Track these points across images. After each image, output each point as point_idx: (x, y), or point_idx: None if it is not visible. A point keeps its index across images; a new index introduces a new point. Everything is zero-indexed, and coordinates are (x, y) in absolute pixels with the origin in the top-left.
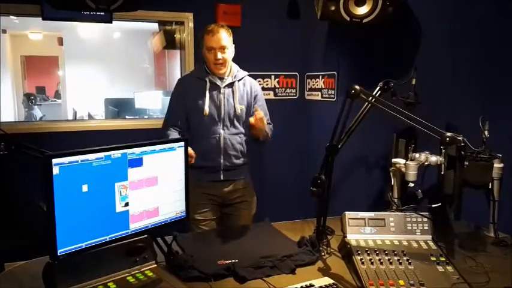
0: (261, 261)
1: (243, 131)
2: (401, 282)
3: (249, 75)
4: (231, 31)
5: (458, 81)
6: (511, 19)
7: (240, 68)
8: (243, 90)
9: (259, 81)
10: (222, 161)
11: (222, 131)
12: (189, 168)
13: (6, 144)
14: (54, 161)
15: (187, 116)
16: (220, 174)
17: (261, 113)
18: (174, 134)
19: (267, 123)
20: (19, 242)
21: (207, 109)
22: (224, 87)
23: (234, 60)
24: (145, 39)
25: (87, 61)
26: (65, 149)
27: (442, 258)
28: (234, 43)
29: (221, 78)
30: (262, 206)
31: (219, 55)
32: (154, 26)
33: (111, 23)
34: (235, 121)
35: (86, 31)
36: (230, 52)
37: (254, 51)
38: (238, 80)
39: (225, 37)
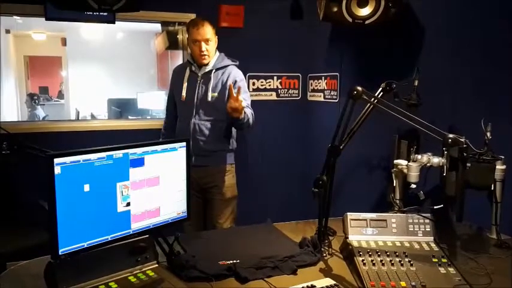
0: (262, 262)
1: (217, 117)
2: (402, 283)
3: (248, 73)
4: (213, 25)
5: (460, 82)
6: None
7: (242, 68)
8: (219, 79)
9: (262, 81)
10: (191, 144)
11: (193, 117)
12: None
13: (9, 144)
14: (56, 160)
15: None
16: (193, 158)
17: (235, 90)
18: (167, 123)
19: (245, 106)
20: (21, 241)
21: (184, 94)
22: (201, 75)
23: (238, 60)
24: (148, 40)
25: (90, 61)
26: (67, 149)
27: (444, 260)
28: (236, 44)
29: (200, 67)
30: (264, 206)
31: (203, 47)
32: (157, 26)
33: (114, 23)
34: (208, 108)
35: (89, 32)
36: (213, 44)
37: (256, 52)
38: (217, 69)
39: (209, 30)
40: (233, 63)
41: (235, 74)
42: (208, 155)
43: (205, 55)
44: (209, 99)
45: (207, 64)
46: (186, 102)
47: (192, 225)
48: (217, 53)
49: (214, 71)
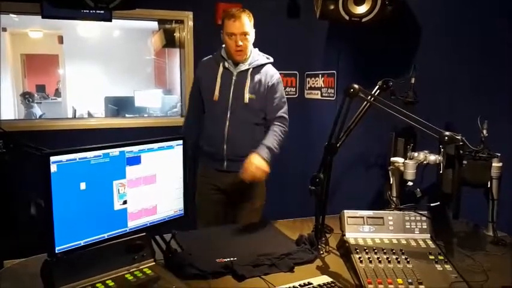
0: (259, 259)
1: (253, 121)
2: (399, 280)
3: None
4: (252, 16)
5: (457, 80)
6: (509, 18)
7: None
8: (256, 79)
9: None
10: (225, 149)
11: (228, 119)
12: (199, 151)
13: (5, 142)
14: (52, 158)
15: (202, 100)
16: (224, 163)
17: (252, 166)
18: (189, 118)
19: (279, 124)
20: (18, 240)
21: (217, 94)
22: (237, 74)
23: None
24: (145, 38)
25: (87, 59)
26: (64, 147)
27: (441, 257)
28: None
29: (236, 64)
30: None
31: (240, 42)
32: (154, 24)
33: (111, 21)
34: (244, 110)
35: (86, 29)
36: (251, 38)
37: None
38: (254, 68)
39: (246, 23)
40: (268, 60)
41: (273, 74)
42: (242, 161)
43: (241, 51)
44: (246, 100)
45: (243, 61)
46: (218, 102)
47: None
48: (252, 48)
49: (251, 70)
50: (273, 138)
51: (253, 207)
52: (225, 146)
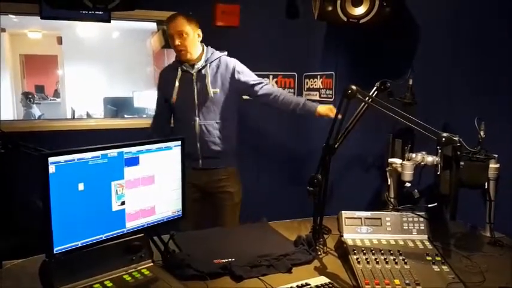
0: (257, 260)
1: (222, 115)
2: (396, 281)
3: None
4: (193, 18)
5: (454, 81)
6: (507, 19)
7: None
8: (216, 72)
9: None
10: (198, 148)
11: (197, 118)
12: None
13: (3, 143)
14: (51, 159)
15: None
16: (199, 162)
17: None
18: (155, 125)
19: (259, 82)
20: (17, 240)
21: (174, 97)
22: (196, 73)
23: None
24: (144, 39)
25: (86, 60)
26: (63, 147)
27: (438, 258)
28: (232, 43)
29: (192, 65)
30: (259, 205)
31: (177, 41)
32: (153, 25)
33: (110, 22)
34: (211, 106)
35: (85, 30)
36: (191, 39)
37: (252, 51)
38: (211, 62)
39: (182, 22)
40: (222, 53)
41: (230, 62)
42: (217, 157)
43: (181, 50)
44: (211, 94)
45: (198, 60)
46: (184, 104)
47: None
48: (205, 47)
49: (209, 65)
50: (293, 97)
51: (233, 203)
52: (198, 145)
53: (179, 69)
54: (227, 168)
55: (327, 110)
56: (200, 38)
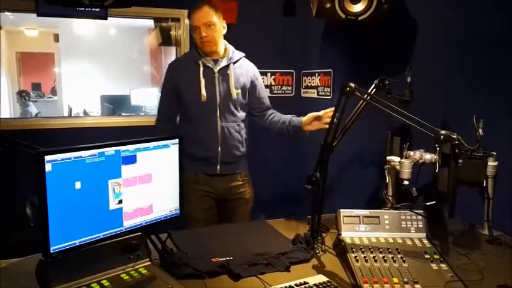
0: (255, 259)
1: (240, 117)
2: (395, 279)
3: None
4: (218, 8)
5: (453, 79)
6: (505, 17)
7: None
8: (238, 74)
9: None
10: (219, 152)
11: (219, 119)
12: (185, 158)
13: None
14: (47, 157)
15: (182, 104)
16: (217, 167)
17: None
18: (166, 129)
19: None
20: (13, 239)
21: (204, 94)
22: (218, 70)
23: None
24: (141, 36)
25: (83, 58)
26: (60, 145)
27: (436, 256)
28: (229, 40)
29: (215, 61)
30: (258, 203)
31: (203, 33)
32: (150, 22)
33: (106, 19)
34: (232, 107)
35: (82, 28)
36: (218, 29)
37: (250, 49)
38: (234, 63)
39: (209, 12)
40: (243, 54)
41: (250, 65)
42: (236, 162)
43: (206, 42)
44: (234, 96)
45: (222, 56)
46: (206, 102)
47: None
48: (227, 44)
49: (232, 65)
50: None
51: (247, 208)
52: (219, 149)
53: (200, 63)
54: (243, 173)
55: (310, 118)
56: (225, 31)
